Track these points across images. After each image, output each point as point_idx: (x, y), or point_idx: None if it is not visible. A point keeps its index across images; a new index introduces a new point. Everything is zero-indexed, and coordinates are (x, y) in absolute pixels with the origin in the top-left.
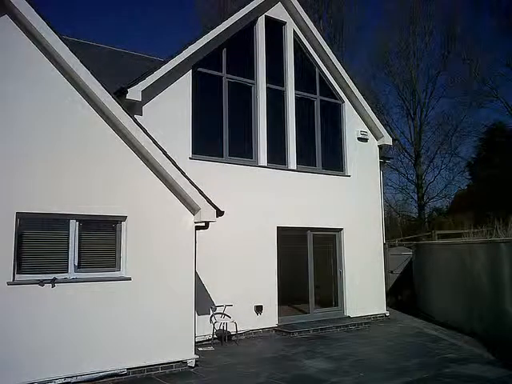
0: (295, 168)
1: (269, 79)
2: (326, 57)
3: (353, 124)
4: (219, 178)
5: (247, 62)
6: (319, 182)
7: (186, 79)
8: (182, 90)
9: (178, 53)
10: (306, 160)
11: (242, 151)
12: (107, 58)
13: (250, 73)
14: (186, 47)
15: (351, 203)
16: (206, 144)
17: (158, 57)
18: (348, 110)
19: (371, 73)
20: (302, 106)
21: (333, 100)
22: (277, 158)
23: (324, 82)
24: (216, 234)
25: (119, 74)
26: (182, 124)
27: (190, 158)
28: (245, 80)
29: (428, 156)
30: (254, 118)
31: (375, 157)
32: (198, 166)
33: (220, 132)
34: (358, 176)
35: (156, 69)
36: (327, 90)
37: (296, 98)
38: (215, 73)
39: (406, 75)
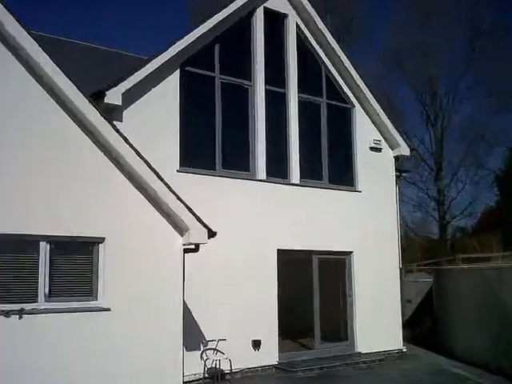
0: (298, 182)
1: (268, 80)
2: (333, 55)
3: (365, 131)
4: (211, 193)
5: (243, 60)
6: (326, 199)
7: (174, 80)
8: (169, 92)
9: (164, 50)
10: (310, 173)
11: (238, 163)
12: (88, 57)
13: (247, 73)
14: (172, 43)
15: (362, 223)
16: (196, 155)
17: (145, 56)
18: (359, 115)
19: (385, 73)
20: (307, 110)
21: (342, 104)
22: (277, 170)
23: (332, 83)
24: (207, 258)
25: (101, 74)
26: (168, 132)
27: (178, 171)
28: (240, 81)
29: (451, 168)
30: (251, 125)
31: (390, 169)
32: (187, 179)
33: (212, 141)
34: (371, 191)
35: (138, 68)
36: (335, 92)
37: (299, 102)
38: (207, 73)
39: (424, 76)
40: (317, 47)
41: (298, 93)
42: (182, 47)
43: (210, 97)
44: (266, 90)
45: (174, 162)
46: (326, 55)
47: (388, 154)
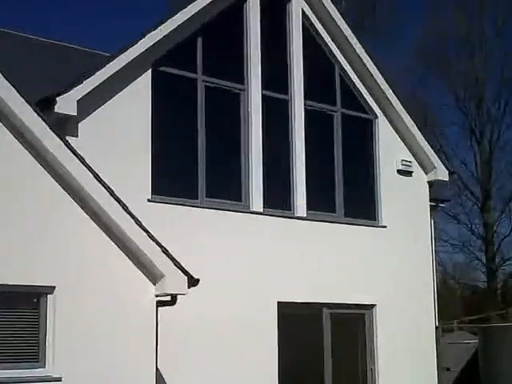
0: (304, 215)
1: (266, 83)
2: (350, 50)
3: (390, 150)
4: (192, 229)
5: (234, 58)
6: (340, 237)
7: (144, 83)
8: (138, 98)
9: (132, 44)
10: (320, 203)
11: (227, 190)
12: (42, 55)
13: (238, 74)
14: (143, 36)
15: (388, 267)
16: (172, 180)
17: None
18: (383, 128)
19: (417, 75)
20: (316, 122)
21: (361, 114)
22: (277, 200)
23: (347, 87)
24: (187, 312)
25: (58, 76)
26: (136, 150)
27: (150, 200)
28: (230, 84)
29: (501, 197)
30: (243, 141)
31: (423, 198)
32: (161, 211)
33: (193, 162)
34: (398, 227)
35: (98, 68)
36: (352, 99)
37: (306, 111)
38: (186, 73)
39: (468, 78)
40: (328, 40)
41: (305, 99)
42: (155, 41)
43: (190, 105)
44: (262, 95)
45: (145, 188)
46: (340, 51)
47: (421, 179)
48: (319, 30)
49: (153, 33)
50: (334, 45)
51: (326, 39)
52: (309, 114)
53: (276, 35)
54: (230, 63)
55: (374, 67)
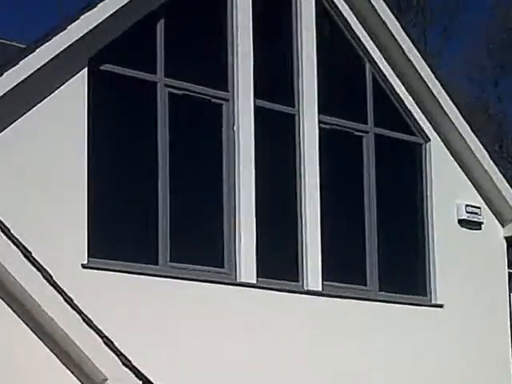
0: (319, 289)
1: (261, 90)
2: (388, 39)
3: (449, 189)
4: (150, 309)
5: (213, 52)
6: (374, 320)
7: (77, 88)
8: (68, 110)
9: (59, 31)
10: (343, 271)
11: (201, 252)
12: None
13: (220, 76)
14: (76, 18)
15: (446, 366)
16: (118, 235)
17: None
18: (439, 157)
19: (487, 79)
20: (336, 147)
21: (404, 136)
22: (278, 266)
23: (384, 95)
24: None
25: None
26: (65, 188)
27: (85, 267)
28: (207, 91)
29: None
30: (226, 175)
31: (499, 262)
32: (102, 283)
33: (151, 208)
34: (461, 306)
35: (9, 66)
36: (391, 113)
37: (322, 131)
38: (141, 75)
39: None
40: (355, 25)
41: (320, 114)
42: (94, 26)
43: (147, 121)
44: (256, 107)
45: (78, 248)
46: (373, 41)
47: (494, 234)
48: (342, 10)
49: (90, 14)
50: (363, 31)
51: (351, 23)
52: (326, 136)
53: (276, 18)
54: (207, 60)
55: (425, 65)
